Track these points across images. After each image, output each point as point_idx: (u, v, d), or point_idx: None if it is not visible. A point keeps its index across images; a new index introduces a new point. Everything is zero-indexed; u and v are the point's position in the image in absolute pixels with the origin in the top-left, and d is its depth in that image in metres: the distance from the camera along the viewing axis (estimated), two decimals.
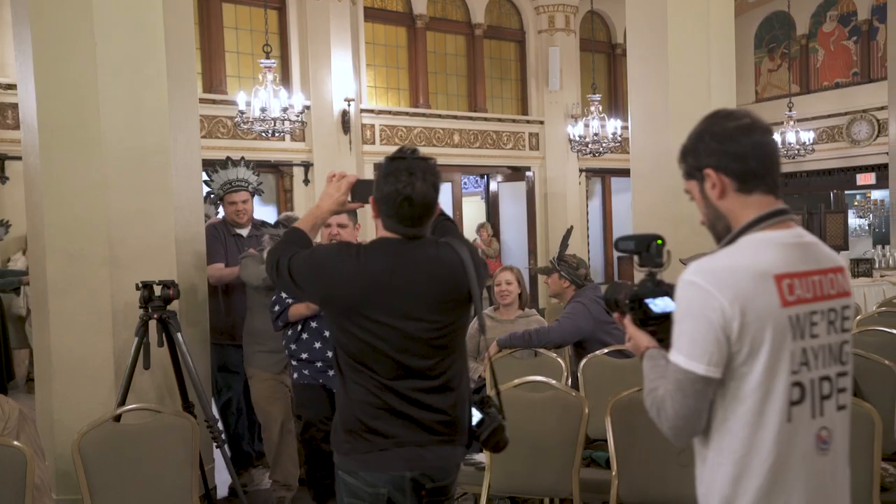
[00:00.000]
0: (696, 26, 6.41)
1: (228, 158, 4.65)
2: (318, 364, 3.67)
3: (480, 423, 2.12)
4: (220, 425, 4.15)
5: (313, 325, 3.70)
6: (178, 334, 3.62)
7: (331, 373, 3.46)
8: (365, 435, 2.03)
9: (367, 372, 2.04)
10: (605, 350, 3.85)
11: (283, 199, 10.56)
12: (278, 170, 10.43)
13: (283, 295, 3.65)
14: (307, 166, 10.43)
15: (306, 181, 10.48)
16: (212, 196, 4.65)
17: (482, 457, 3.45)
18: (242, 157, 4.69)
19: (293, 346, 3.74)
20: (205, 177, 4.55)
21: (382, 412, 2.03)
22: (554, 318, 4.93)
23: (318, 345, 3.68)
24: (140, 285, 3.60)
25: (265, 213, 9.94)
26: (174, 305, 3.68)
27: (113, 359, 3.72)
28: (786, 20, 13.53)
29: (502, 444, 2.20)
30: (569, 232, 4.51)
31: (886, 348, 3.82)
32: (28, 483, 2.42)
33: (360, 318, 2.03)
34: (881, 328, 4.43)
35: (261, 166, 10.42)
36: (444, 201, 12.08)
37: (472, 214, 12.74)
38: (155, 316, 3.58)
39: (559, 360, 3.88)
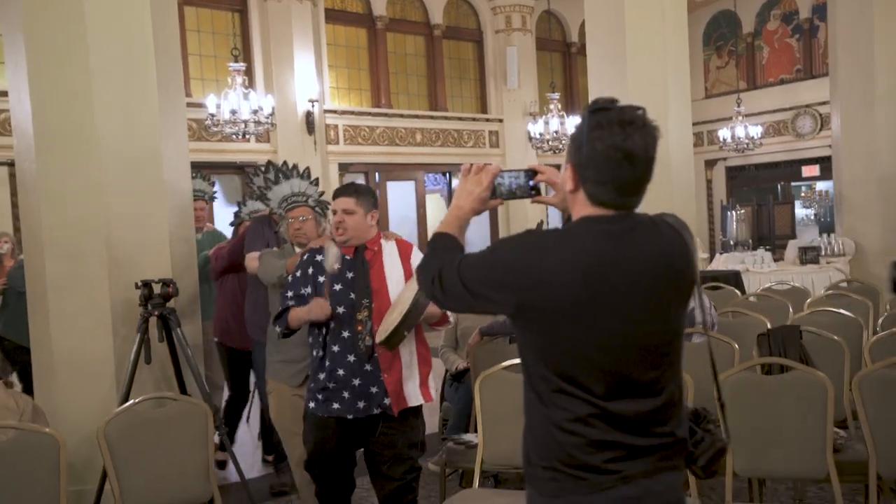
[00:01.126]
0: (652, 27, 6.76)
1: (270, 163, 3.95)
2: (346, 394, 3.03)
3: (697, 443, 1.71)
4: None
5: (335, 346, 3.04)
6: (178, 329, 3.78)
7: (345, 394, 3.02)
8: (577, 472, 1.59)
9: (577, 391, 1.59)
10: None
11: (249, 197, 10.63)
12: (243, 171, 10.51)
13: (289, 293, 3.14)
14: None
15: None
16: (273, 211, 4.00)
17: (472, 436, 3.70)
18: (295, 166, 3.94)
19: (321, 376, 3.07)
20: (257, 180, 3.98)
21: (598, 441, 1.58)
22: None
23: (341, 372, 3.02)
24: (140, 284, 3.75)
25: (229, 214, 10.03)
26: (172, 302, 3.84)
27: (113, 355, 3.86)
28: (732, 19, 14.07)
29: (717, 469, 1.79)
30: (540, 224, 4.80)
31: (834, 326, 4.17)
32: (62, 466, 2.58)
33: (572, 323, 1.58)
34: (830, 308, 4.81)
35: (226, 168, 10.56)
36: (409, 199, 12.29)
37: (434, 211, 12.98)
38: (155, 313, 3.74)
39: None
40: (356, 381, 3.01)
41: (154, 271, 3.91)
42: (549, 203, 1.85)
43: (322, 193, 3.87)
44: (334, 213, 3.07)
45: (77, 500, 3.58)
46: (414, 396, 3.12)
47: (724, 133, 12.58)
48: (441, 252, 1.76)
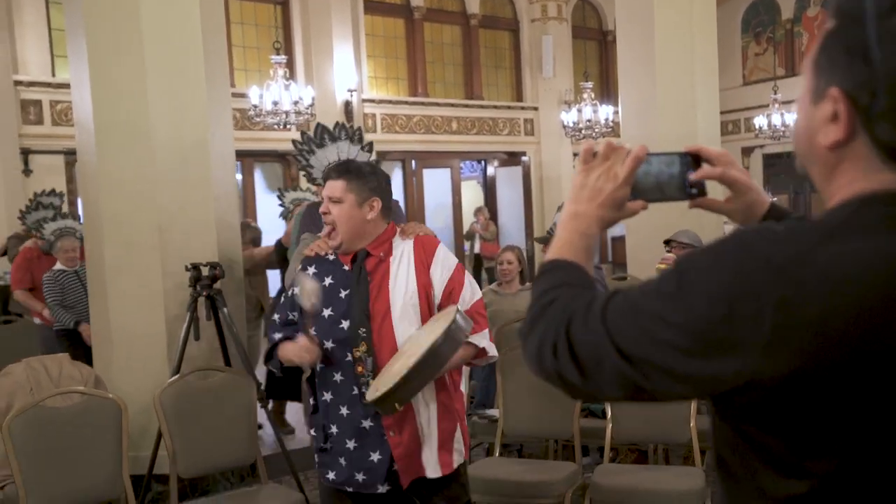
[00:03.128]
0: (681, 15, 6.86)
1: (319, 125, 3.38)
2: (342, 460, 2.26)
3: None
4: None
5: (326, 394, 2.28)
6: (225, 309, 4.10)
7: (341, 460, 2.26)
8: None
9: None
10: None
11: (290, 188, 11.00)
12: (284, 159, 10.87)
13: (276, 318, 2.38)
14: None
15: None
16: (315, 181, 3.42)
17: (494, 411, 3.96)
18: (343, 125, 3.41)
19: (314, 433, 2.36)
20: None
21: None
22: None
23: (334, 429, 2.27)
24: (189, 267, 4.08)
25: (270, 202, 10.42)
26: (219, 284, 4.16)
27: (165, 332, 4.20)
28: (771, 5, 13.97)
29: None
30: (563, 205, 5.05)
31: None
32: (123, 429, 2.91)
33: (874, 397, 0.79)
34: None
35: (267, 155, 10.92)
36: (444, 186, 12.55)
37: (470, 199, 13.22)
38: (204, 293, 4.06)
39: None
40: (351, 444, 2.21)
41: (202, 255, 4.23)
42: (718, 210, 1.17)
43: (378, 162, 2.93)
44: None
45: (133, 465, 3.93)
46: (431, 465, 2.24)
47: (759, 121, 12.55)
48: (560, 299, 0.95)
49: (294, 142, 3.37)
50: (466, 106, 12.42)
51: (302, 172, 3.71)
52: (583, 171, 1.11)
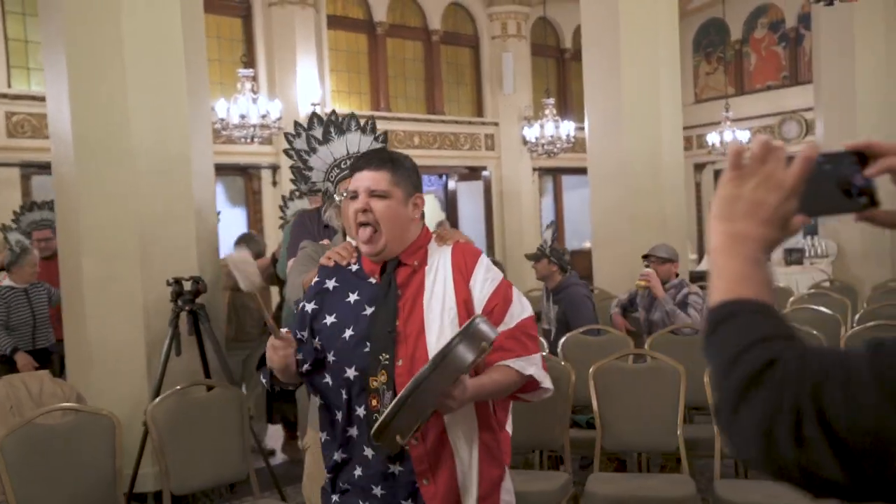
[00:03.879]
0: (646, 35, 7.06)
1: (315, 115, 2.64)
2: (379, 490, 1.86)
3: None
4: None
5: (352, 429, 1.89)
6: (207, 324, 4.07)
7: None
8: None
9: None
10: (581, 329, 4.45)
11: (252, 202, 10.91)
12: (246, 172, 10.78)
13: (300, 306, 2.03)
14: (274, 169, 10.81)
15: (274, 183, 10.86)
16: (313, 190, 2.70)
17: None
18: (353, 115, 2.67)
19: (331, 474, 1.95)
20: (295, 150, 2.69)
21: None
22: (534, 303, 5.53)
23: (358, 472, 1.89)
24: (171, 281, 4.03)
25: (234, 216, 10.31)
26: (201, 298, 4.12)
27: (145, 347, 4.14)
28: (721, 26, 14.43)
29: None
30: (554, 223, 5.19)
31: (814, 322, 4.51)
32: (117, 445, 2.86)
33: None
34: (811, 306, 5.14)
35: (229, 169, 10.81)
36: None
37: (430, 212, 13.28)
38: (186, 308, 4.02)
39: (541, 338, 4.45)
40: (378, 490, 1.85)
41: (182, 269, 4.18)
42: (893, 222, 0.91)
43: (384, 141, 2.48)
44: (352, 196, 1.90)
45: None
46: None
47: (712, 138, 12.93)
48: (782, 360, 0.70)
49: (287, 135, 2.58)
50: (428, 121, 12.50)
51: (292, 184, 2.95)
52: (733, 178, 0.85)
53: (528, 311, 1.90)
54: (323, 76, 11.17)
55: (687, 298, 4.55)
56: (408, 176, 1.91)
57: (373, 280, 1.92)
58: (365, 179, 1.87)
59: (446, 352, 1.60)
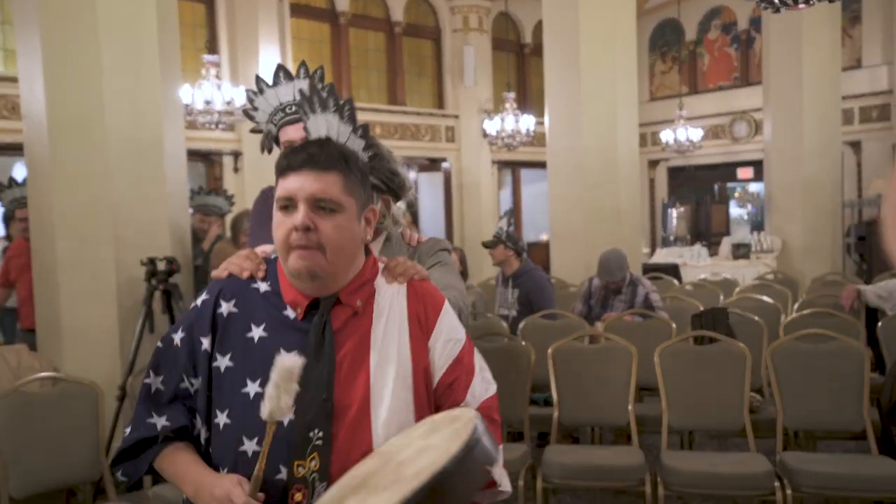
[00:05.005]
0: (604, 35, 7.31)
1: (280, 67, 2.18)
2: None
3: None
4: None
5: None
6: (180, 302, 4.18)
7: None
8: None
9: None
10: (540, 314, 4.68)
11: (214, 188, 10.91)
12: (209, 158, 10.79)
13: (150, 383, 1.43)
14: (236, 155, 10.84)
15: (236, 169, 10.89)
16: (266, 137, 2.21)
17: None
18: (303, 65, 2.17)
19: None
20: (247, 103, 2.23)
21: None
22: (488, 291, 5.76)
23: None
24: (146, 261, 4.13)
25: None
26: (175, 278, 4.23)
27: (118, 327, 4.23)
28: (676, 27, 14.84)
29: None
30: (511, 211, 5.41)
31: (757, 309, 4.81)
32: (100, 413, 2.99)
33: None
34: (755, 296, 5.47)
35: (191, 154, 10.79)
36: None
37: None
38: (160, 287, 4.12)
39: (502, 322, 4.67)
40: None
41: (155, 251, 4.28)
42: None
43: (371, 147, 1.63)
44: (284, 206, 1.36)
45: None
46: None
47: (666, 135, 13.32)
48: None
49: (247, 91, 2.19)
50: (390, 111, 12.63)
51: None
52: None
53: (492, 389, 1.46)
54: (286, 64, 11.19)
55: (649, 300, 4.76)
56: (362, 180, 1.40)
57: (291, 314, 1.37)
58: (308, 183, 1.31)
59: (447, 470, 1.10)
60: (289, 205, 1.33)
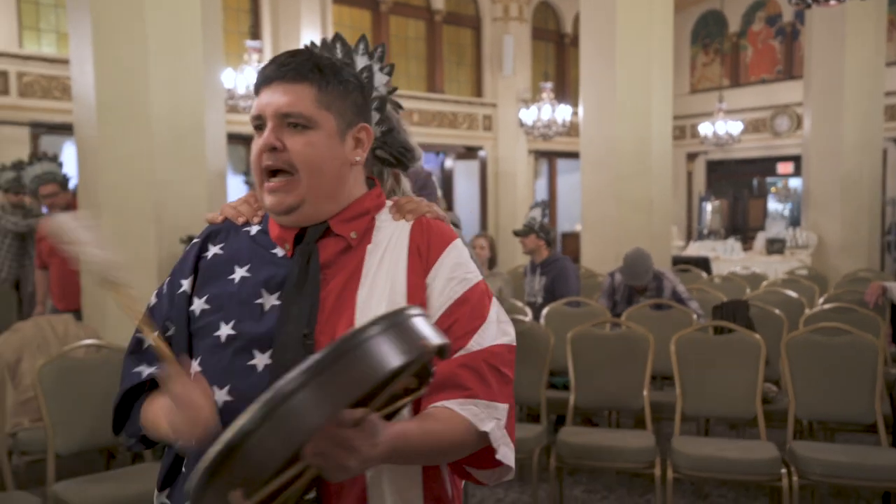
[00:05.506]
0: (641, 23, 7.34)
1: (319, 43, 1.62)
2: None
3: None
4: None
5: None
6: None
7: None
8: None
9: None
10: (563, 301, 4.78)
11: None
12: (249, 142, 11.03)
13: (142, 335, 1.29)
14: None
15: None
16: None
17: None
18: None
19: None
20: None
21: None
22: (516, 279, 5.87)
23: None
24: (185, 238, 4.34)
25: (236, 183, 10.59)
26: None
27: None
28: (719, 18, 14.69)
29: None
30: (545, 202, 5.53)
31: (781, 303, 4.85)
32: None
33: None
34: (782, 290, 5.50)
35: (232, 138, 11.06)
36: None
37: None
38: None
39: (527, 308, 4.79)
40: None
41: (194, 229, 4.49)
42: None
43: (384, 122, 1.51)
44: (257, 127, 1.22)
45: None
46: None
47: (705, 128, 13.23)
48: None
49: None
50: (428, 99, 12.75)
51: None
52: None
53: (506, 337, 1.22)
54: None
55: (677, 294, 4.79)
56: (346, 93, 1.22)
57: (279, 252, 1.24)
58: (276, 97, 1.19)
59: (350, 344, 0.86)
60: (260, 124, 1.20)
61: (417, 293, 1.19)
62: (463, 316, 1.19)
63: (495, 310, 1.23)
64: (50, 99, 8.86)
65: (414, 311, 0.96)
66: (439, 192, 2.24)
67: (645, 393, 3.72)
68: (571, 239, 12.90)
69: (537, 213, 5.22)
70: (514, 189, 13.33)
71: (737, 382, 3.60)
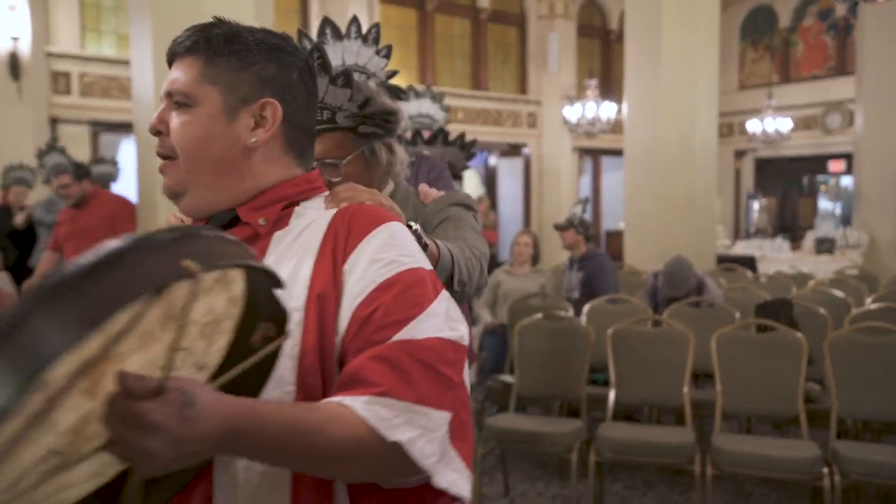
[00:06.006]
0: (687, 19, 7.30)
1: (327, 22, 1.78)
2: None
3: None
4: None
5: None
6: None
7: None
8: None
9: None
10: (605, 297, 4.83)
11: None
12: None
13: None
14: None
15: None
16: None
17: (507, 376, 4.42)
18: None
19: None
20: None
21: None
22: (557, 276, 5.92)
23: None
24: None
25: None
26: None
27: None
28: (769, 14, 14.45)
29: None
30: (587, 199, 5.58)
31: (827, 303, 4.82)
32: None
33: None
34: (829, 290, 5.45)
35: None
36: None
37: (470, 187, 13.64)
38: None
39: (567, 304, 4.84)
40: None
41: None
42: None
43: (360, 94, 1.57)
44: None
45: None
46: None
47: (753, 125, 13.04)
48: None
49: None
50: (472, 97, 12.83)
51: None
52: None
53: (451, 332, 0.95)
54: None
55: (703, 281, 4.82)
56: (242, 64, 1.03)
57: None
58: (170, 76, 1.07)
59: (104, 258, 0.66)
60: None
61: (319, 285, 0.95)
62: (388, 302, 0.92)
63: (444, 304, 0.97)
64: (109, 98, 9.18)
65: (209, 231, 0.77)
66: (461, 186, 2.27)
67: (685, 390, 3.75)
68: (615, 237, 12.85)
69: (578, 209, 5.27)
70: (559, 186, 13.33)
71: (778, 381, 3.61)
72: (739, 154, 15.19)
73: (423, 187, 1.76)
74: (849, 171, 13.08)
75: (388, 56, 1.75)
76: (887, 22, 8.67)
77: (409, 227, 1.09)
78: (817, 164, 14.36)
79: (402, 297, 0.93)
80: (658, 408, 4.22)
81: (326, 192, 1.11)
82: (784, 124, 12.88)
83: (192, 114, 1.02)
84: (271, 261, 0.98)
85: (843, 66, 13.71)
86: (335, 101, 1.52)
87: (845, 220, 11.64)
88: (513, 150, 13.51)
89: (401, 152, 1.58)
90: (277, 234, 1.03)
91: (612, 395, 3.87)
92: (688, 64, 7.26)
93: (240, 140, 1.03)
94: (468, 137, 3.25)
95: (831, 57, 13.96)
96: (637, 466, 4.13)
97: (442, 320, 0.94)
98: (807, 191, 14.46)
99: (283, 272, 0.90)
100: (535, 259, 5.55)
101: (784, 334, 3.71)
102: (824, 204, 14.04)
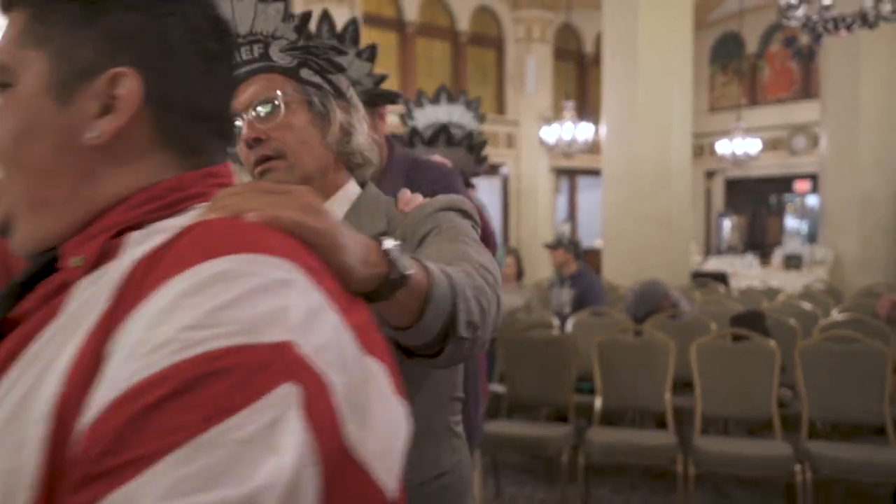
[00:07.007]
0: (662, 48, 7.65)
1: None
2: None
3: None
4: None
5: None
6: None
7: None
8: None
9: None
10: (588, 310, 5.07)
11: None
12: None
13: None
14: None
15: None
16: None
17: (497, 386, 4.63)
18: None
19: None
20: None
21: None
22: (541, 290, 6.17)
23: None
24: None
25: None
26: None
27: None
28: (738, 40, 14.97)
29: None
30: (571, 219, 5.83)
31: (796, 314, 5.11)
32: None
33: None
34: (796, 302, 5.75)
35: None
36: None
37: None
38: None
39: (555, 318, 5.08)
40: None
41: None
42: None
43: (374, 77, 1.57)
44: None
45: None
46: None
47: (722, 147, 13.48)
48: None
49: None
50: None
51: None
52: None
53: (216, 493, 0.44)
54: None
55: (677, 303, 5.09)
56: (91, 14, 0.65)
57: None
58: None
59: None
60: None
61: (81, 371, 0.52)
62: (120, 425, 0.46)
63: (262, 420, 0.47)
64: None
65: None
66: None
67: (667, 396, 3.99)
68: (592, 255, 13.15)
69: (567, 228, 5.54)
70: (536, 206, 13.64)
71: (753, 386, 3.86)
72: (710, 174, 15.64)
73: (405, 192, 1.24)
74: (814, 190, 13.55)
75: (371, 58, 1.40)
76: (849, 49, 9.11)
77: (380, 242, 0.74)
78: (784, 184, 14.84)
79: (155, 413, 0.46)
80: (641, 413, 4.45)
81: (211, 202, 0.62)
82: (753, 145, 13.31)
83: (7, 96, 0.66)
84: (39, 342, 0.57)
85: (807, 90, 14.23)
86: (267, 27, 1.13)
87: (811, 238, 12.09)
88: (491, 169, 13.80)
89: (365, 130, 1.15)
90: (85, 280, 0.61)
91: (598, 402, 4.09)
92: (664, 86, 7.59)
93: (72, 131, 0.64)
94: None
95: (796, 81, 14.49)
96: (622, 470, 4.35)
97: (220, 466, 0.45)
98: (775, 209, 14.93)
99: (47, 350, 0.56)
100: (519, 275, 5.79)
101: (758, 343, 3.97)
102: (791, 222, 14.51)
